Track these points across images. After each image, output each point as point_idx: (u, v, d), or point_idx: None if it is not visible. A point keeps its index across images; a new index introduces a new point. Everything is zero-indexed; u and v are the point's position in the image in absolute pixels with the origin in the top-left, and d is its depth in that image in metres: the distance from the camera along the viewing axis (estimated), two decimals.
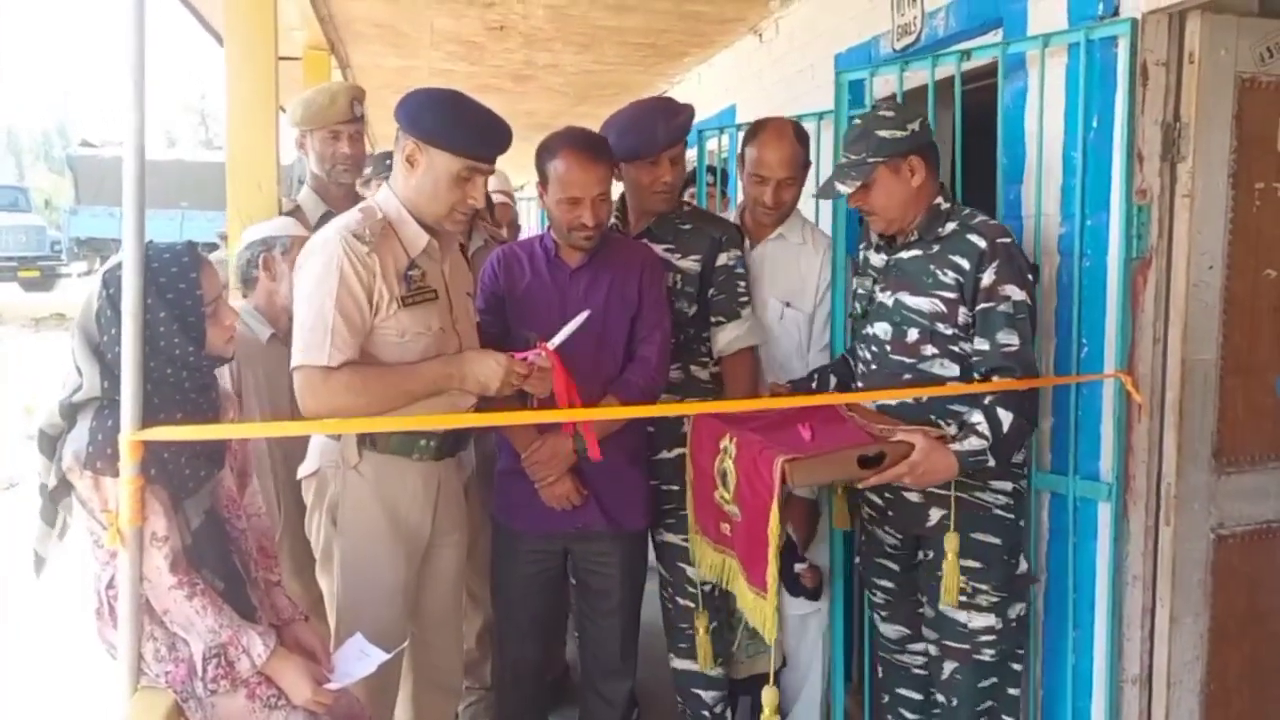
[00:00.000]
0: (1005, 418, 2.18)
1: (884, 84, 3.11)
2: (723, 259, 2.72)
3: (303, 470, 2.44)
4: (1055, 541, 2.57)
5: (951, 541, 2.29)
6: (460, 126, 2.18)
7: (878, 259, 2.48)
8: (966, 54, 2.74)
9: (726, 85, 5.46)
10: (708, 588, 2.69)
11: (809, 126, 3.63)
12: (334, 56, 5.50)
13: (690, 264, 2.71)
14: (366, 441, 2.28)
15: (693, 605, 2.73)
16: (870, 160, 2.30)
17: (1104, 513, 2.45)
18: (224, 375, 2.50)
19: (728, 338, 2.72)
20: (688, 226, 2.76)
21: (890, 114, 2.35)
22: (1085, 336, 2.45)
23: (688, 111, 2.70)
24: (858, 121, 2.40)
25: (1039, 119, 2.56)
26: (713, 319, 2.74)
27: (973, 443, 2.16)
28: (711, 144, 4.04)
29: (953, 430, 2.24)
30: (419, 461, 2.32)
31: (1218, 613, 2.47)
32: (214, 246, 6.56)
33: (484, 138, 2.20)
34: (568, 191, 2.43)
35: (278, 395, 2.63)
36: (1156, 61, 2.33)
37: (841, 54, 3.73)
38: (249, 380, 2.65)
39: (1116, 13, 2.37)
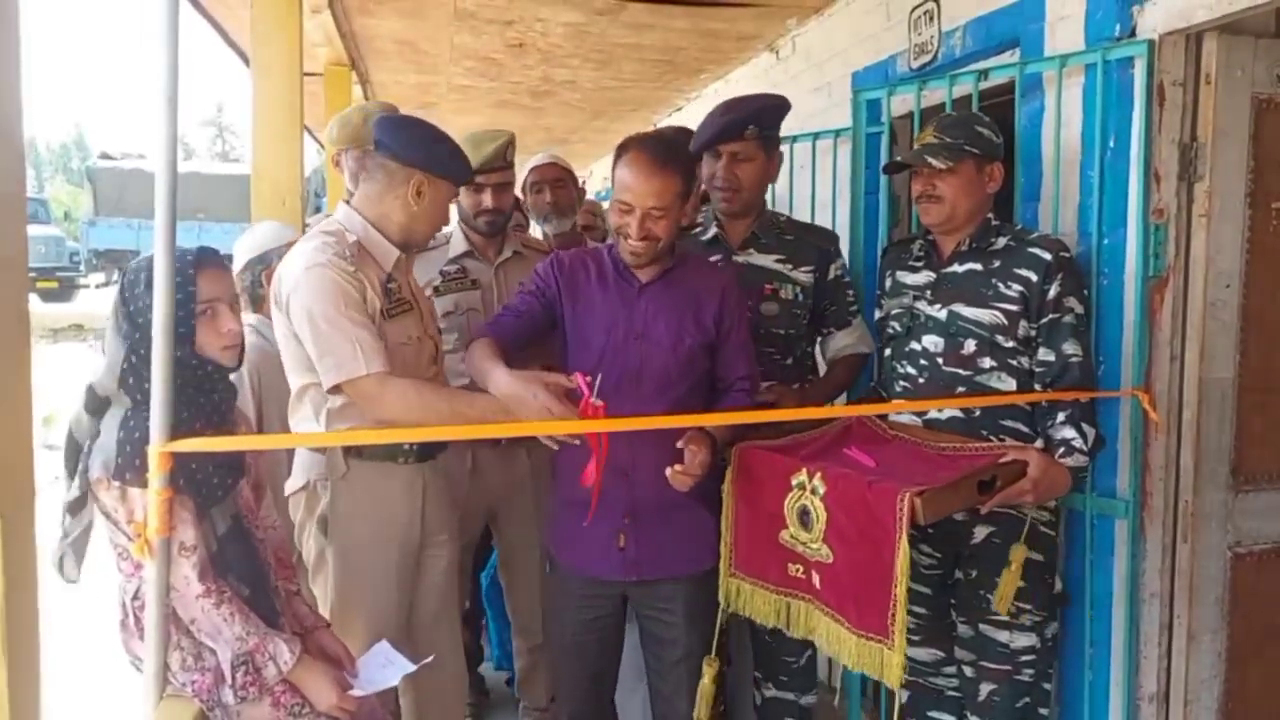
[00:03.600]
0: (1089, 432, 2.21)
1: (901, 103, 3.13)
2: (833, 271, 2.67)
3: (289, 487, 2.46)
4: (1072, 558, 2.57)
5: (1018, 554, 2.26)
6: (455, 159, 2.36)
7: (916, 277, 2.48)
8: (984, 73, 2.76)
9: None
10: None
11: (825, 144, 3.67)
12: (355, 72, 5.55)
13: (804, 276, 2.64)
14: (353, 451, 2.34)
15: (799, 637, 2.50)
16: (966, 148, 2.31)
17: (1121, 530, 2.45)
18: (244, 389, 2.53)
19: (838, 344, 2.68)
20: (791, 237, 2.68)
21: (985, 118, 2.39)
22: (1102, 354, 2.46)
23: (755, 105, 2.57)
24: (952, 113, 2.46)
25: (1056, 138, 2.58)
26: (823, 330, 2.71)
27: (1078, 458, 2.18)
28: None
29: (1038, 445, 2.25)
30: (403, 465, 2.39)
31: (1235, 631, 2.47)
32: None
33: (468, 167, 2.44)
34: (620, 194, 2.24)
35: None
36: (1173, 82, 2.34)
37: (858, 72, 3.76)
38: (270, 392, 2.67)
39: (1133, 33, 2.39)
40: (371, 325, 2.20)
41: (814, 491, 2.07)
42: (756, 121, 2.53)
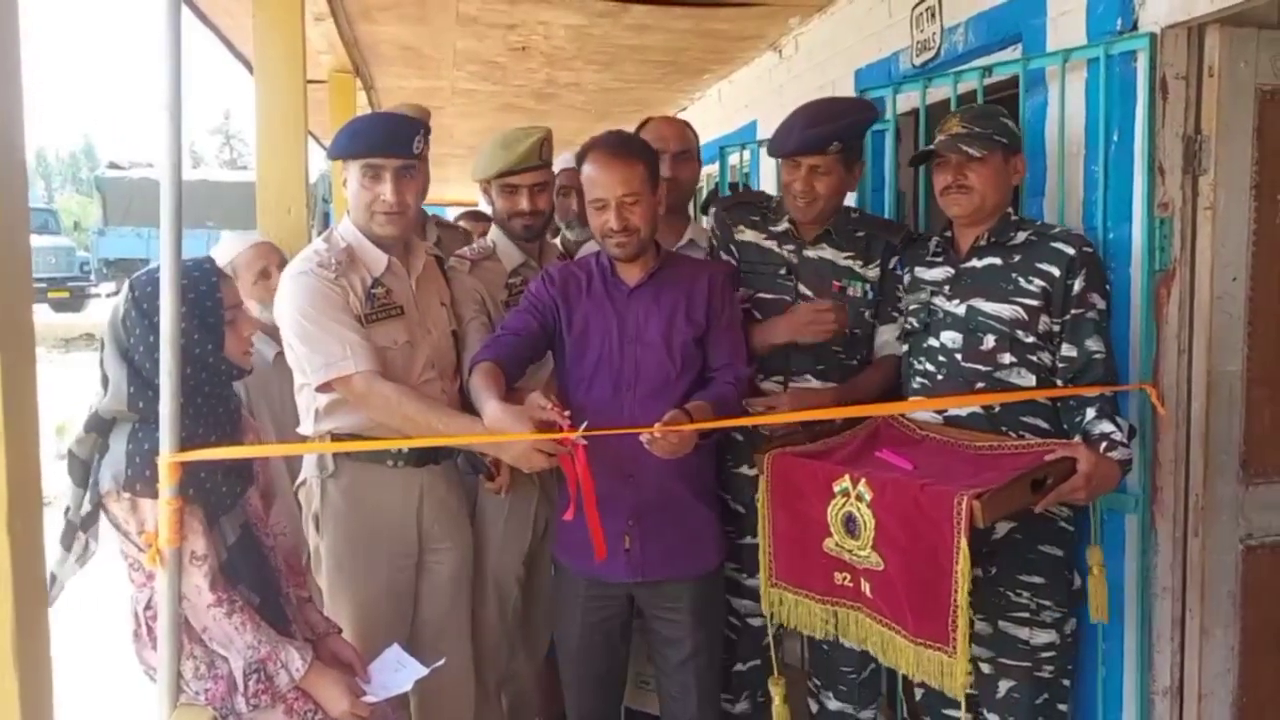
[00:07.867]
0: (1124, 424, 2.19)
1: (905, 100, 3.13)
2: (892, 262, 2.61)
3: (297, 482, 2.53)
4: (1082, 554, 2.56)
5: (1096, 556, 2.28)
6: (349, 134, 2.37)
7: (933, 272, 2.45)
8: (988, 70, 2.76)
9: (747, 101, 5.49)
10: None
11: None
12: (359, 79, 5.57)
13: (873, 273, 2.59)
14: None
15: (856, 648, 2.44)
16: (995, 137, 2.29)
17: (1131, 525, 2.45)
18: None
19: (879, 340, 2.62)
20: (862, 234, 2.62)
21: (1005, 110, 2.38)
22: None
23: (842, 119, 2.47)
24: (974, 105, 2.48)
25: (1060, 133, 2.57)
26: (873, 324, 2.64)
27: (1123, 451, 2.15)
28: (733, 159, 4.12)
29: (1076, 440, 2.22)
30: (396, 468, 2.43)
31: (1248, 624, 2.46)
32: None
33: (367, 137, 2.34)
34: (592, 193, 2.30)
35: (286, 414, 2.68)
36: (1176, 75, 2.34)
37: (861, 70, 3.75)
38: (260, 401, 2.71)
39: (1135, 27, 2.38)
40: (359, 327, 2.30)
41: (859, 498, 2.04)
42: (840, 138, 2.45)
